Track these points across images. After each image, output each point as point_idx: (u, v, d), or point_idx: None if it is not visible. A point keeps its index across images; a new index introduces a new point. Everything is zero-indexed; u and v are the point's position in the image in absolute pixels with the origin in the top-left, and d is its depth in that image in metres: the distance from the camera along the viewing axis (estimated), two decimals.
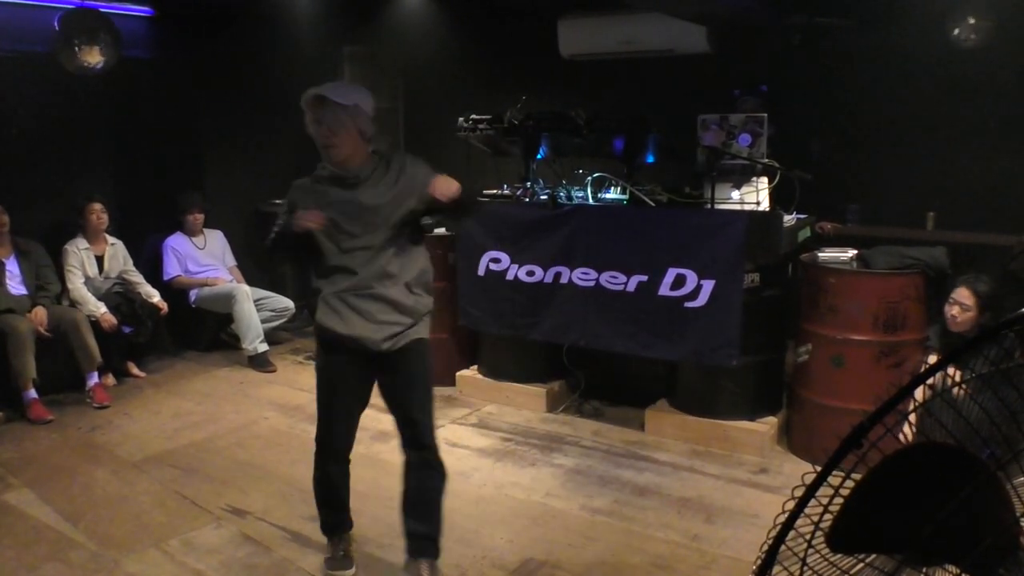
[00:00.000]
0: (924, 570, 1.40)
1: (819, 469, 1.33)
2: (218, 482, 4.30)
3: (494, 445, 4.76)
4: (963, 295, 3.83)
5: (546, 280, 4.94)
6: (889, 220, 5.42)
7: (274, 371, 6.17)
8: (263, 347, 6.25)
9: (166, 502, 4.09)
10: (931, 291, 4.23)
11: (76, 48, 5.63)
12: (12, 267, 5.50)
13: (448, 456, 4.53)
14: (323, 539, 3.50)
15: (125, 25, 5.98)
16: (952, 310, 3.86)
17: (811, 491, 1.28)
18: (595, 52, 6.09)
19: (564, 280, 4.89)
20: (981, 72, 5.15)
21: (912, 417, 1.40)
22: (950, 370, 1.44)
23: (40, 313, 5.37)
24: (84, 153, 6.40)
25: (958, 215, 5.26)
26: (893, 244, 4.47)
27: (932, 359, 4.00)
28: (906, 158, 5.43)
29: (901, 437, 1.42)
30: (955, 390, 1.44)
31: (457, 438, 4.86)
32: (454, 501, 4.05)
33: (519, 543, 3.65)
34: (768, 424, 4.66)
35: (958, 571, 1.38)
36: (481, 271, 5.15)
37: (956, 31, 5.15)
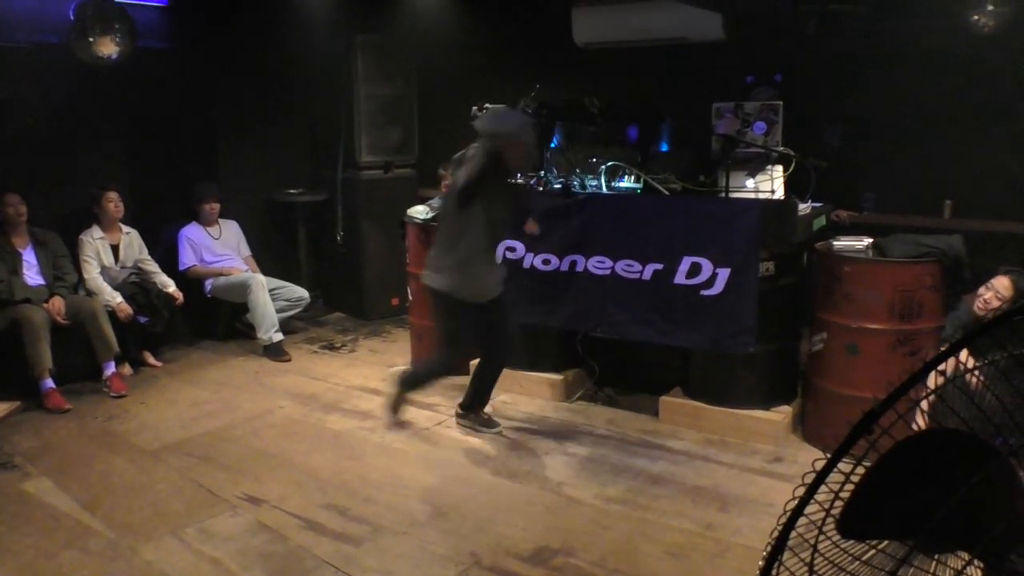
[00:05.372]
0: (935, 556, 1.39)
1: (829, 456, 1.33)
2: (234, 470, 4.33)
3: (508, 434, 4.76)
4: (1003, 284, 3.76)
5: (562, 268, 4.92)
6: (906, 208, 5.37)
7: (289, 360, 6.19)
8: (278, 336, 6.28)
9: (183, 490, 4.12)
10: (948, 280, 4.19)
11: (91, 38, 5.65)
12: (29, 257, 5.54)
13: (462, 445, 4.63)
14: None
15: (139, 15, 5.98)
16: (986, 294, 3.78)
17: (821, 477, 1.28)
18: (609, 40, 6.05)
19: (580, 268, 4.87)
20: (999, 58, 5.08)
21: (924, 405, 1.39)
22: (963, 356, 1.43)
23: (57, 303, 5.40)
24: (99, 144, 6.41)
25: (975, 203, 5.21)
26: (909, 232, 4.44)
27: None
28: (923, 146, 5.37)
29: (914, 425, 1.41)
30: (969, 378, 1.42)
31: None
32: (468, 489, 4.09)
33: (533, 531, 3.66)
34: (783, 413, 4.65)
35: (969, 557, 1.37)
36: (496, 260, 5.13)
37: (974, 17, 5.08)
